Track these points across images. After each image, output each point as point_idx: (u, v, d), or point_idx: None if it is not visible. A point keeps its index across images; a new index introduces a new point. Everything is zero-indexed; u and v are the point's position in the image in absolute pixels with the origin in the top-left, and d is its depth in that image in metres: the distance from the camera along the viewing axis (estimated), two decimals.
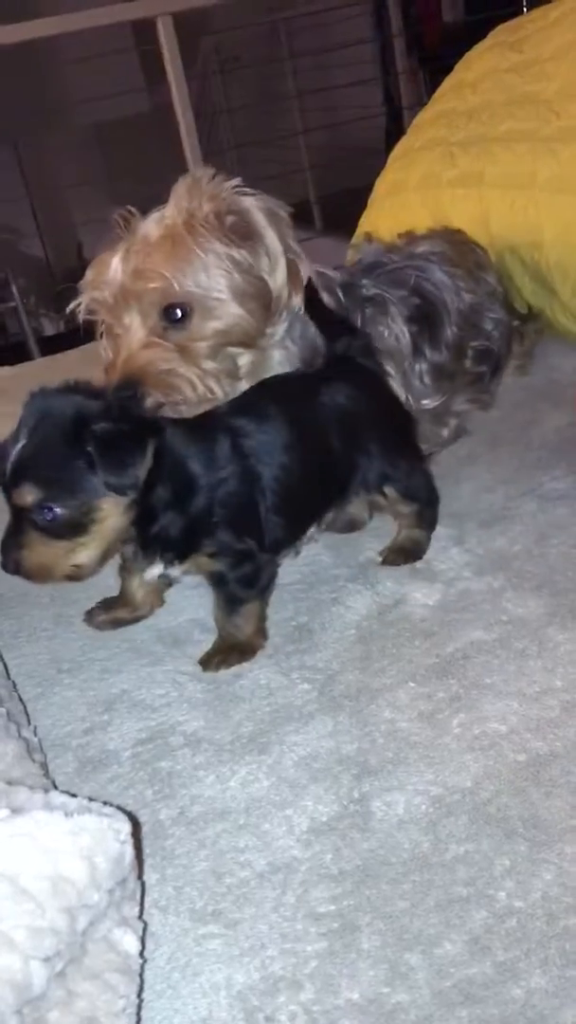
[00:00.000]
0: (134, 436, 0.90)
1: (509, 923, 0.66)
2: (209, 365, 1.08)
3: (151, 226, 1.09)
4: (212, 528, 0.97)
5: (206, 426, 1.00)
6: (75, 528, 0.90)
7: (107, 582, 1.09)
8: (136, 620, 1.10)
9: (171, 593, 1.11)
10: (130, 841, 0.61)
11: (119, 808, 0.65)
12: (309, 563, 1.14)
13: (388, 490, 1.10)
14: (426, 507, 1.13)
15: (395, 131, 4.89)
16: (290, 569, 1.12)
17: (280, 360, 1.16)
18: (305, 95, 5.10)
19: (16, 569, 0.92)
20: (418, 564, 1.09)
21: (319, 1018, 0.62)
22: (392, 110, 5.02)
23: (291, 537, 1.05)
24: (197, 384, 1.06)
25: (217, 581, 1.00)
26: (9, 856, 0.56)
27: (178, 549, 0.98)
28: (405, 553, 1.11)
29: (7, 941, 0.53)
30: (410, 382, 1.27)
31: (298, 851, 0.75)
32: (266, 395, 1.06)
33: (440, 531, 1.13)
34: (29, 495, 0.88)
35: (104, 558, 0.95)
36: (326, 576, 1.11)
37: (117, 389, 1.03)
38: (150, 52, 4.02)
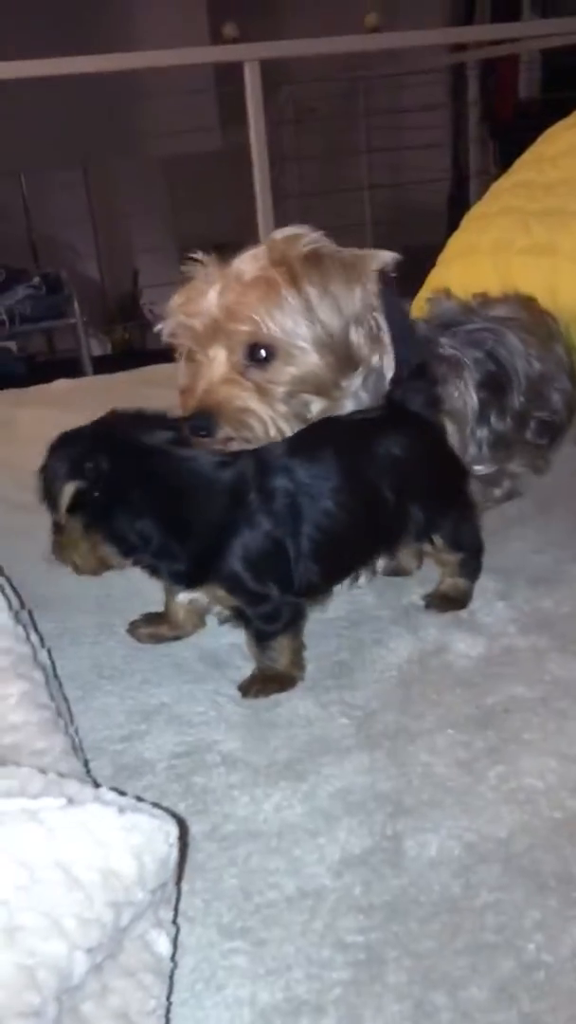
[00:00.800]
0: (59, 472, 0.99)
1: (537, 975, 0.66)
2: (282, 408, 1.11)
3: (246, 264, 1.12)
4: (220, 564, 0.99)
5: (242, 463, 1.02)
6: (61, 531, 1.02)
7: (156, 596, 1.11)
8: (176, 638, 1.11)
9: (214, 617, 1.13)
10: (177, 845, 0.62)
11: (168, 812, 0.66)
12: (353, 602, 1.15)
13: (436, 539, 1.12)
14: (472, 557, 1.14)
15: (459, 197, 5.00)
16: (335, 605, 1.14)
17: (350, 409, 1.17)
18: (375, 152, 5.21)
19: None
20: (462, 614, 1.10)
21: None
22: (458, 176, 5.12)
23: (327, 583, 1.06)
24: (269, 425, 1.09)
25: (238, 616, 1.02)
26: (63, 844, 0.57)
27: (184, 579, 1.02)
28: (449, 600, 1.13)
29: (57, 928, 0.54)
30: (467, 447, 1.28)
31: (328, 880, 0.76)
32: (319, 438, 1.07)
33: (487, 585, 1.14)
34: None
35: (89, 563, 1.02)
36: (369, 616, 1.12)
37: (192, 417, 1.07)
38: (228, 93, 4.14)
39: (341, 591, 1.14)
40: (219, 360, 1.11)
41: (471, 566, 1.14)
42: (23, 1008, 0.51)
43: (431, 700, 0.96)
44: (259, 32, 4.23)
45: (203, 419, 1.06)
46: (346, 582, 1.13)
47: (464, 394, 1.26)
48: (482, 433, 1.29)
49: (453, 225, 2.12)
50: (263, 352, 1.10)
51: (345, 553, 1.07)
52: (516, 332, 1.36)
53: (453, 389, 1.25)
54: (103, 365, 3.96)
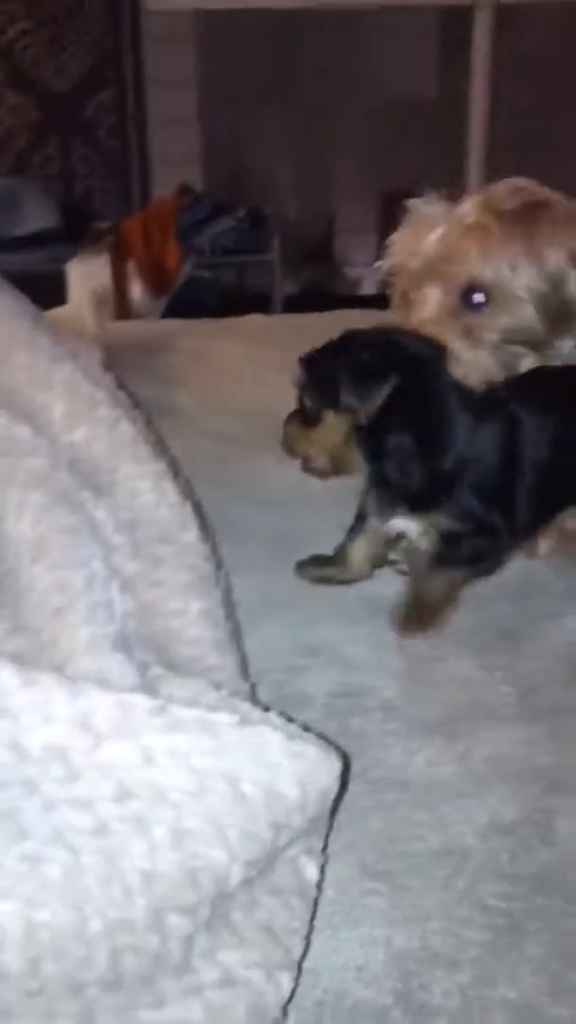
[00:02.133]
0: (377, 368, 0.99)
1: None
2: (489, 356, 1.09)
3: (469, 209, 1.10)
4: (456, 489, 1.00)
5: (483, 399, 1.04)
6: (313, 425, 1.05)
7: (331, 537, 1.13)
8: (344, 582, 1.12)
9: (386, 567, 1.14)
10: (338, 779, 0.64)
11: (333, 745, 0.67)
12: (529, 572, 1.13)
13: None
14: None
15: None
16: (509, 573, 1.12)
17: None
18: None
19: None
20: None
21: (473, 1003, 0.63)
22: None
23: (537, 522, 1.07)
24: (473, 371, 1.07)
25: (446, 539, 1.03)
26: (233, 759, 0.59)
27: (415, 501, 1.02)
28: None
29: (220, 836, 0.56)
30: None
31: (474, 842, 0.76)
32: (538, 383, 1.09)
33: None
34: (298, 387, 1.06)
35: (328, 461, 1.06)
36: (545, 589, 1.10)
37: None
38: (449, 39, 4.01)
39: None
40: (432, 300, 1.10)
41: None
42: (182, 904, 0.54)
43: None
44: None
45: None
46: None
47: None
48: None
49: None
50: (477, 296, 1.09)
51: (554, 493, 1.07)
52: None
53: None
54: (291, 305, 3.98)
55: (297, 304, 3.93)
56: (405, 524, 1.05)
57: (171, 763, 0.58)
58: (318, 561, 1.14)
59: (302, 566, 1.14)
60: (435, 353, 1.04)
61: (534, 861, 0.74)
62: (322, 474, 1.09)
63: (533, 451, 1.02)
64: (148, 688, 0.68)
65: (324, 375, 1.02)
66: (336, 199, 5.53)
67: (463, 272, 1.08)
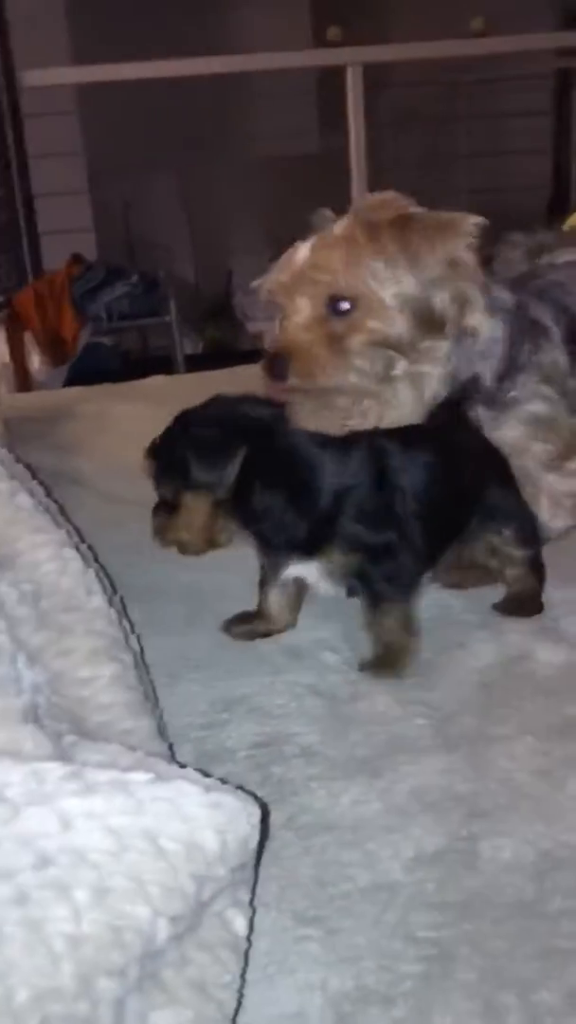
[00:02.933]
0: (223, 443, 1.02)
1: None
2: (356, 361, 1.13)
3: (338, 225, 1.17)
4: (340, 522, 1.03)
5: (348, 440, 1.08)
6: (174, 510, 1.07)
7: (242, 591, 1.14)
8: (270, 634, 1.13)
9: (300, 611, 1.15)
10: (259, 827, 0.64)
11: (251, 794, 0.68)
12: (439, 604, 1.16)
13: (506, 531, 1.14)
14: (537, 556, 1.16)
15: (559, 204, 4.92)
16: (420, 607, 1.15)
17: (441, 377, 1.19)
18: (474, 157, 5.17)
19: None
20: (546, 622, 1.10)
21: None
22: (560, 182, 5.04)
23: (429, 551, 1.09)
24: (338, 372, 1.12)
25: (360, 578, 1.05)
26: (151, 816, 0.59)
27: (303, 546, 1.05)
28: (523, 602, 1.13)
29: (142, 893, 0.56)
30: (572, 404, 1.28)
31: (402, 875, 0.77)
32: (404, 430, 1.14)
33: (570, 595, 1.14)
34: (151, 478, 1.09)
35: (200, 541, 1.08)
36: (454, 619, 1.13)
37: (269, 360, 1.14)
38: (328, 97, 4.16)
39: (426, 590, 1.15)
40: (301, 309, 1.14)
41: (538, 565, 1.15)
42: (109, 966, 0.53)
43: (512, 706, 0.96)
44: (362, 35, 4.24)
45: (279, 362, 1.12)
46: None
47: (555, 357, 1.27)
48: (573, 384, 1.28)
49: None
50: (344, 304, 1.13)
51: (441, 520, 1.10)
52: None
53: (545, 354, 1.26)
54: (194, 364, 4.03)
55: (201, 363, 3.98)
56: (302, 570, 1.07)
57: (88, 825, 0.58)
58: (243, 617, 1.15)
59: (228, 624, 1.15)
60: (278, 412, 1.08)
61: (460, 888, 0.75)
62: (199, 553, 1.10)
63: (403, 476, 1.06)
64: (63, 756, 0.68)
65: (172, 460, 1.04)
66: (231, 257, 5.62)
67: (329, 281, 1.13)
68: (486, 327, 1.18)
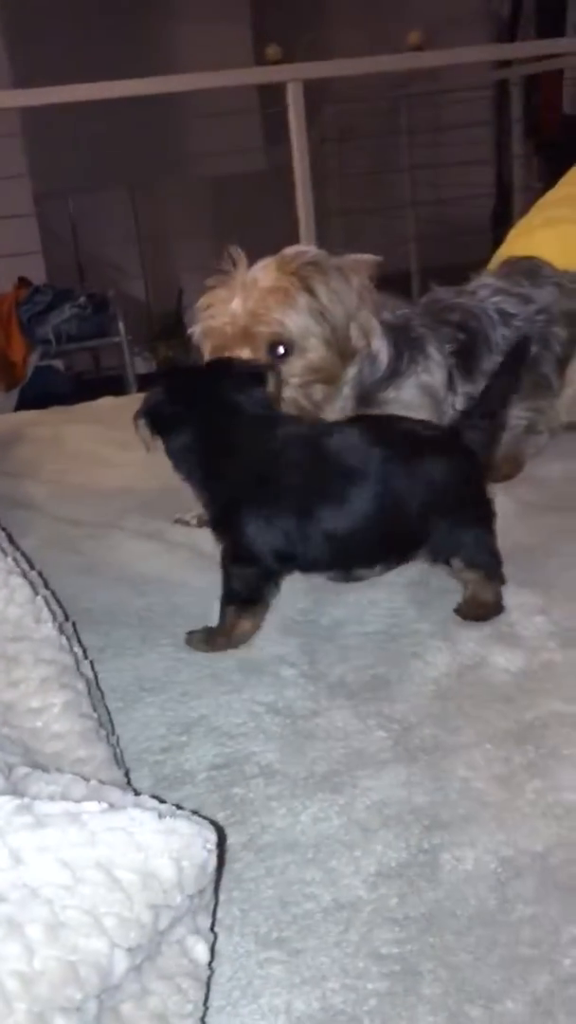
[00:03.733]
0: (167, 409, 1.15)
1: (572, 990, 0.66)
2: (292, 395, 1.30)
3: (260, 273, 1.31)
4: (236, 518, 1.10)
5: (292, 432, 1.15)
6: None
7: (196, 611, 1.13)
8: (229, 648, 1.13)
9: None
10: (215, 851, 0.63)
11: (207, 819, 0.67)
12: (393, 615, 1.16)
13: (454, 561, 1.14)
14: (492, 571, 1.15)
15: (503, 213, 4.99)
16: (373, 618, 1.15)
17: (347, 394, 1.39)
18: (418, 169, 5.22)
19: None
20: (502, 627, 1.10)
21: None
22: (502, 192, 5.11)
23: (331, 563, 1.13)
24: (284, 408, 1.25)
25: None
26: (105, 847, 0.58)
27: (212, 523, 1.17)
28: (481, 606, 1.14)
29: (97, 926, 0.55)
30: (444, 412, 1.43)
31: (364, 892, 0.76)
32: (368, 434, 1.13)
33: (526, 599, 1.14)
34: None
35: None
36: (408, 630, 1.13)
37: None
38: (272, 114, 4.17)
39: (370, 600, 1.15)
40: (246, 356, 1.28)
41: (493, 576, 1.15)
42: (65, 1003, 0.52)
43: (469, 714, 0.97)
44: (302, 52, 4.27)
45: None
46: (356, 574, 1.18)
47: (431, 368, 1.43)
48: (453, 398, 1.44)
49: (498, 241, 2.14)
50: (281, 349, 1.30)
51: (355, 544, 1.11)
52: (491, 298, 1.54)
53: (419, 368, 1.42)
54: (148, 383, 4.00)
55: (153, 382, 3.96)
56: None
57: (40, 859, 0.57)
58: (205, 632, 1.14)
59: (190, 637, 1.14)
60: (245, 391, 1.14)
61: (422, 901, 0.75)
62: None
63: (335, 495, 1.09)
64: (14, 789, 0.67)
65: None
66: (182, 274, 5.62)
67: (268, 332, 1.28)
68: (384, 352, 1.38)
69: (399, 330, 1.43)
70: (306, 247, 1.37)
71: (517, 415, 1.54)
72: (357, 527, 1.08)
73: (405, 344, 1.43)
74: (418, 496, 1.09)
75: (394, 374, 1.41)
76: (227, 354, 1.29)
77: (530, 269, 1.62)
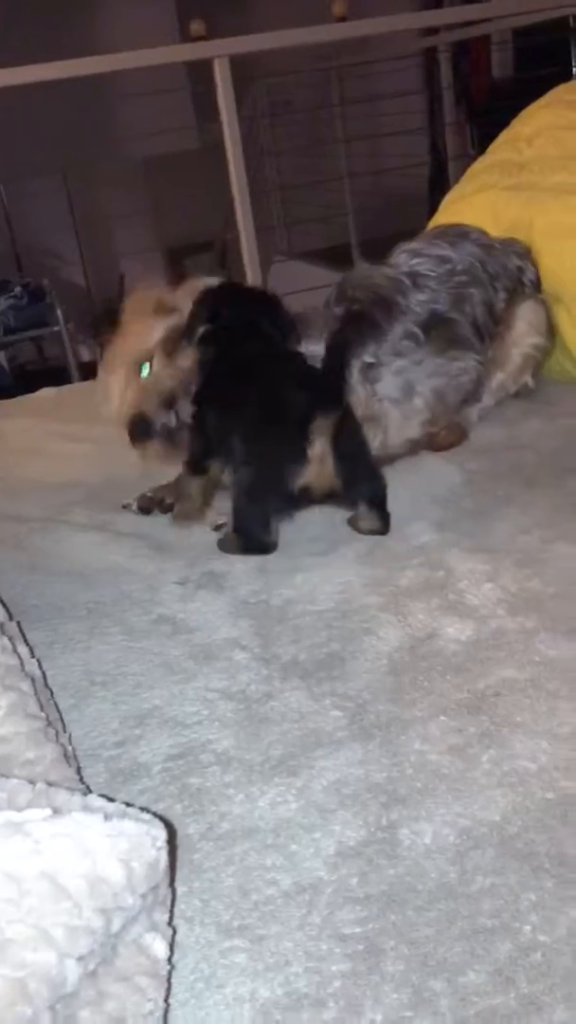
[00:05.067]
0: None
1: (534, 957, 0.66)
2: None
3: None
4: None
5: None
6: None
7: (144, 597, 1.12)
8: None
9: (207, 611, 1.14)
10: (166, 848, 0.62)
11: (156, 815, 0.66)
12: (342, 591, 1.15)
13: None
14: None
15: (439, 181, 4.98)
16: (324, 596, 1.14)
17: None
18: (352, 141, 5.19)
19: None
20: (451, 597, 1.10)
21: None
22: (437, 160, 5.11)
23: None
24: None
25: None
26: (49, 854, 0.57)
27: None
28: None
29: (45, 937, 0.54)
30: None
31: (325, 873, 0.76)
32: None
33: (475, 567, 1.15)
34: None
35: None
36: (358, 605, 1.12)
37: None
38: (202, 92, 4.11)
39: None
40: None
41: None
42: (16, 1020, 0.51)
43: (423, 687, 0.96)
44: (227, 28, 4.20)
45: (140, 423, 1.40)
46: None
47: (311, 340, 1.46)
48: (355, 363, 1.45)
49: (434, 209, 2.12)
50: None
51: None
52: (401, 267, 1.54)
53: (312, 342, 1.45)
54: (93, 370, 3.95)
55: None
56: None
57: None
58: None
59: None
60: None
61: (383, 879, 0.74)
62: None
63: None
64: None
65: None
66: (121, 258, 5.56)
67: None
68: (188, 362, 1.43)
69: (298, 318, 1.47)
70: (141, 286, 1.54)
71: (446, 371, 1.53)
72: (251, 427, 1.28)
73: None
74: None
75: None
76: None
77: (457, 233, 1.61)
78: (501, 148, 2.01)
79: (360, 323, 1.46)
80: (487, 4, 4.44)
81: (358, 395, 1.43)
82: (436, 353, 1.48)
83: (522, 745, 0.86)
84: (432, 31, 4.63)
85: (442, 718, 0.91)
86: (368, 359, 1.45)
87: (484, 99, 4.81)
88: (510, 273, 1.59)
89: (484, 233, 1.62)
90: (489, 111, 4.35)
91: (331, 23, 4.10)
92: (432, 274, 1.52)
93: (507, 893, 0.71)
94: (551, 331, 1.65)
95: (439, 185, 4.79)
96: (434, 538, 1.25)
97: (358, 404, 1.41)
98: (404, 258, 1.55)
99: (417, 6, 5.14)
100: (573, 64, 4.30)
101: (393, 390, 1.46)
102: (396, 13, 4.14)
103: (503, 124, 2.13)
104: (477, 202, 1.84)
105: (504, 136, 2.06)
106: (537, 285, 1.64)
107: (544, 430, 1.56)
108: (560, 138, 1.79)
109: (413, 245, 1.58)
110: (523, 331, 1.61)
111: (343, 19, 4.16)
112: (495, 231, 1.68)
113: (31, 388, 2.28)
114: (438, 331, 1.49)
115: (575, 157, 1.70)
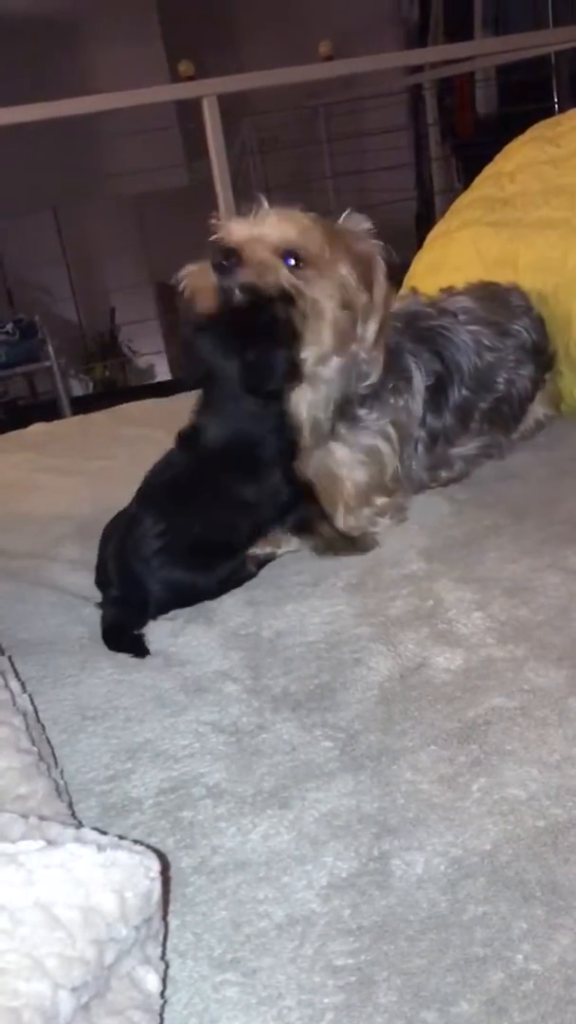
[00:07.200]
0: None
1: (526, 986, 0.66)
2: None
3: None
4: None
5: None
6: None
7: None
8: None
9: (197, 644, 1.14)
10: (159, 879, 0.63)
11: (149, 848, 0.66)
12: (331, 621, 1.16)
13: None
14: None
15: (426, 215, 5.05)
16: (313, 626, 1.15)
17: (325, 393, 1.33)
18: (340, 176, 5.26)
19: None
20: (441, 627, 1.11)
21: None
22: (424, 194, 5.17)
23: None
24: (284, 283, 1.24)
25: None
26: (43, 885, 0.57)
27: None
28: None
29: (39, 968, 0.54)
30: (405, 450, 1.42)
31: (317, 905, 0.76)
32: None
33: (464, 596, 1.16)
34: None
35: None
36: (348, 636, 1.13)
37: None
38: (191, 129, 4.17)
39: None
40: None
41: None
42: None
43: (413, 717, 0.97)
44: (216, 67, 4.28)
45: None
46: None
47: (410, 405, 1.40)
48: (419, 433, 1.42)
49: (422, 243, 2.15)
50: (292, 261, 1.27)
51: None
52: (468, 325, 1.49)
53: (401, 401, 1.39)
54: (85, 404, 3.98)
55: (90, 403, 3.93)
56: None
57: None
58: None
59: None
60: None
61: (375, 910, 0.74)
62: None
63: None
64: None
65: None
66: (112, 294, 5.60)
67: (276, 237, 1.31)
68: (378, 368, 1.33)
69: (391, 352, 1.38)
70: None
71: (473, 446, 1.52)
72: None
73: (393, 366, 1.38)
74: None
75: (375, 394, 1.37)
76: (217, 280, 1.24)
77: (502, 296, 1.60)
78: (484, 184, 2.05)
79: (437, 387, 1.47)
80: (471, 43, 4.53)
81: None
82: None
83: (512, 773, 0.86)
84: (418, 68, 4.71)
85: (432, 747, 0.92)
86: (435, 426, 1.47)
87: (469, 134, 4.89)
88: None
89: (520, 293, 1.63)
90: (474, 146, 4.42)
91: (318, 62, 4.17)
92: (493, 346, 1.53)
93: (499, 922, 0.72)
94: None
95: (426, 219, 4.85)
96: (423, 567, 1.26)
97: None
98: (465, 319, 1.52)
99: (402, 44, 5.23)
100: (555, 100, 4.38)
101: None
102: (382, 51, 4.23)
103: (488, 158, 2.17)
104: (461, 238, 1.87)
105: (487, 172, 2.10)
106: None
107: (532, 460, 1.57)
108: (541, 173, 1.82)
109: (471, 304, 1.55)
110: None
111: (330, 58, 4.23)
112: (479, 266, 1.72)
113: (23, 423, 2.29)
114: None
115: (557, 192, 1.73)
